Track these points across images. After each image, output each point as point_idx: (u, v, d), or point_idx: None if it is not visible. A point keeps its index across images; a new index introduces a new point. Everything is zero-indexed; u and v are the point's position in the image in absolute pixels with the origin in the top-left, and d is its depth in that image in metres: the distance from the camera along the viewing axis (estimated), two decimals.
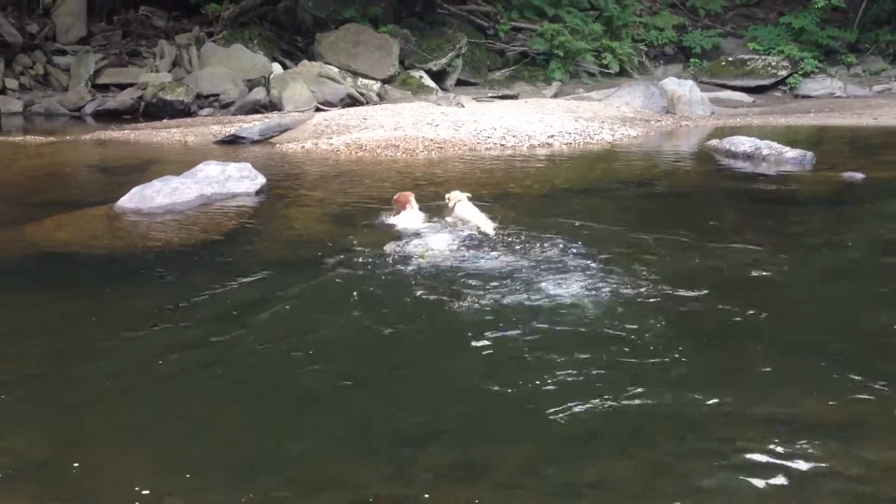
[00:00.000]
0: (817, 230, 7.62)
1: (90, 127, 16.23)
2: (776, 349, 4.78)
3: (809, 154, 11.43)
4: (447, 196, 7.62)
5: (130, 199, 8.00)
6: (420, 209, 7.54)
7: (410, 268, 6.12)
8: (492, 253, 6.47)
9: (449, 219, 7.41)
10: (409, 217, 7.39)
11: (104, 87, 19.09)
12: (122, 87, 18.91)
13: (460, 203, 7.44)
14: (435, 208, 7.74)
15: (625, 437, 3.77)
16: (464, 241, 6.79)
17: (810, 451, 3.64)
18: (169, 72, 19.15)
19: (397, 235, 7.02)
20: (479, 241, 6.77)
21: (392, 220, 7.46)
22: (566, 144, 13.37)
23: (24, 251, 6.64)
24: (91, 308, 5.38)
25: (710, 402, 4.09)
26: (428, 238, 6.90)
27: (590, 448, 3.69)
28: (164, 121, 16.59)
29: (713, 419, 3.93)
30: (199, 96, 18.24)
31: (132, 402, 4.08)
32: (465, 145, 12.77)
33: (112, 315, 5.26)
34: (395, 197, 7.69)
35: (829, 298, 5.73)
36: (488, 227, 7.10)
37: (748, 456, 3.60)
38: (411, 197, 7.57)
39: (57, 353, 4.67)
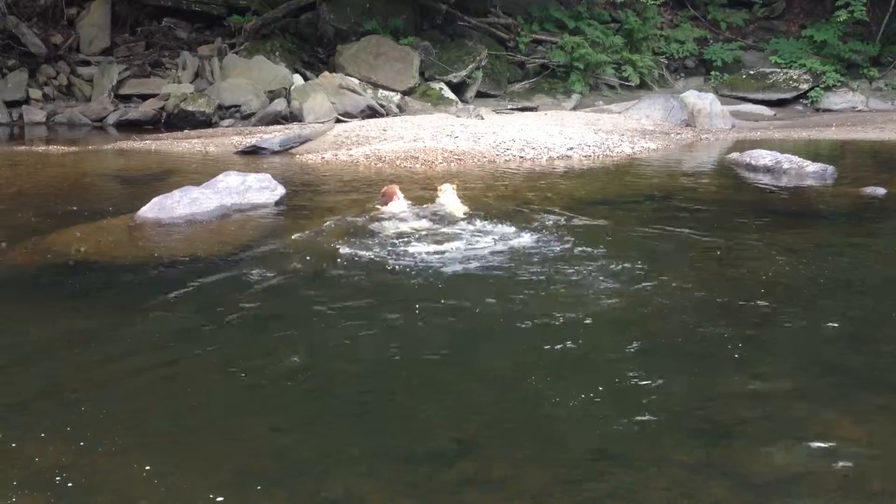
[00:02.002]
0: (838, 245, 7.56)
1: (112, 137, 16.37)
2: (797, 365, 4.74)
3: (831, 168, 11.36)
4: (438, 187, 8.91)
5: (151, 209, 8.06)
6: (407, 201, 8.54)
7: (429, 278, 6.13)
8: (512, 261, 6.49)
9: (434, 205, 8.55)
10: (395, 206, 8.37)
11: (127, 98, 19.27)
12: (144, 97, 19.08)
13: (444, 193, 8.65)
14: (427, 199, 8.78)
15: (649, 453, 3.74)
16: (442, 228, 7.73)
17: (834, 469, 3.60)
18: (191, 83, 19.31)
19: (384, 220, 7.98)
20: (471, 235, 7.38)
21: (381, 208, 8.43)
22: (585, 157, 13.36)
23: (45, 260, 6.69)
24: (110, 319, 5.41)
25: (732, 417, 4.06)
26: (410, 222, 7.92)
27: (614, 464, 3.66)
28: (186, 131, 16.71)
29: (734, 436, 3.89)
30: (220, 107, 18.38)
31: (151, 412, 4.09)
32: (485, 157, 12.78)
33: (132, 326, 5.28)
34: (382, 190, 8.78)
35: (851, 314, 5.68)
36: (459, 212, 8.28)
37: (770, 475, 3.56)
38: (397, 189, 8.67)
39: (77, 363, 4.70)
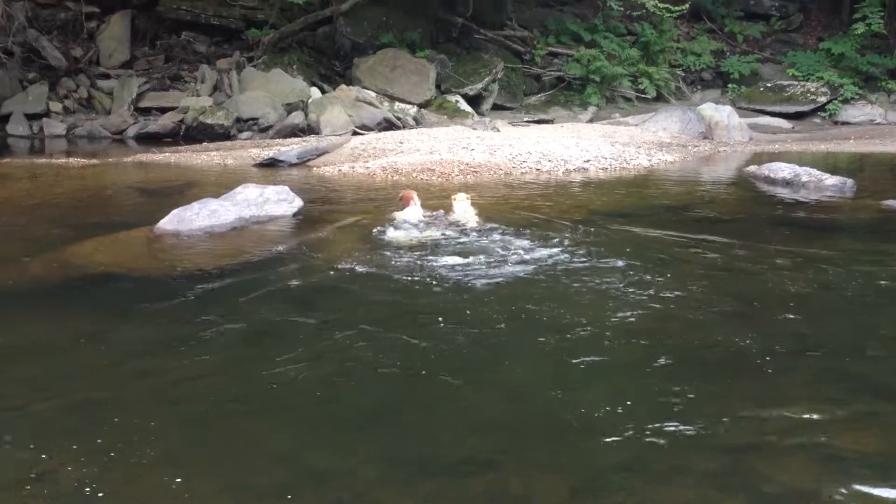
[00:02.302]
0: (858, 258, 7.51)
1: (131, 150, 16.48)
2: (820, 379, 4.71)
3: (850, 181, 11.31)
4: (452, 196, 9.10)
5: (170, 221, 8.10)
6: (422, 209, 8.71)
7: (446, 290, 6.14)
8: (530, 273, 6.48)
9: (451, 215, 8.64)
10: (411, 212, 8.56)
11: (146, 111, 19.39)
12: (163, 110, 19.20)
13: (458, 202, 8.85)
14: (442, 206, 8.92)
15: (669, 466, 3.72)
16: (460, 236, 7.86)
17: (854, 484, 3.57)
18: (210, 96, 19.43)
19: (397, 228, 8.18)
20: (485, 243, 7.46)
21: (396, 214, 8.60)
22: (602, 169, 13.35)
23: (65, 272, 6.73)
24: (128, 329, 5.44)
25: (753, 431, 4.04)
26: (422, 232, 8.05)
27: (634, 477, 3.64)
28: (204, 144, 16.80)
29: (756, 450, 3.87)
30: (238, 120, 18.47)
31: (170, 423, 4.10)
32: (501, 169, 12.79)
33: (151, 338, 5.30)
34: (400, 194, 9.04)
35: (874, 328, 5.64)
36: (472, 221, 8.44)
37: (791, 490, 3.54)
38: (414, 195, 8.86)
39: (96, 375, 4.73)
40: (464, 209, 8.75)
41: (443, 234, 7.86)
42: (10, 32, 18.19)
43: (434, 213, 8.64)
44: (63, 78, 19.64)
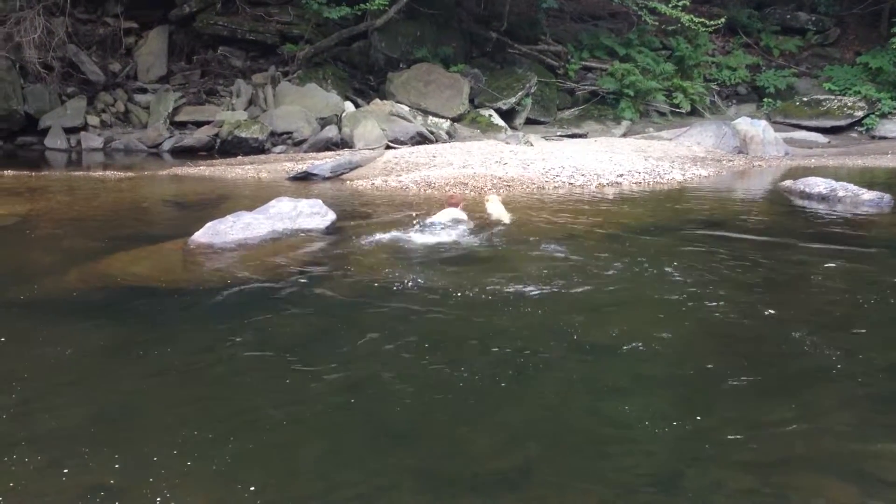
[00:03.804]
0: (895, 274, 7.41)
1: (167, 163, 16.67)
2: (854, 396, 4.65)
3: (887, 196, 11.16)
4: (486, 197, 10.22)
5: (204, 234, 8.16)
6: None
7: (479, 303, 6.13)
8: (562, 286, 6.46)
9: (486, 214, 9.55)
10: (446, 213, 9.15)
11: (182, 125, 19.63)
12: (199, 124, 19.43)
13: (490, 202, 9.83)
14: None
15: (700, 482, 3.68)
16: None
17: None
18: (245, 110, 19.63)
19: (426, 228, 8.74)
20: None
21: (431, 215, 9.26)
22: (635, 184, 13.29)
23: (100, 284, 6.80)
24: (163, 342, 5.48)
25: (785, 448, 3.99)
26: (451, 234, 8.55)
27: (665, 492, 3.61)
28: (239, 157, 16.95)
29: (786, 467, 3.82)
30: (273, 134, 18.62)
31: (198, 435, 4.12)
32: (534, 184, 12.77)
33: (184, 349, 5.35)
34: (448, 195, 10.22)
35: None
36: (505, 218, 9.34)
37: None
38: (459, 199, 9.78)
39: (127, 384, 4.77)
40: (497, 208, 9.58)
41: (468, 240, 8.21)
42: (49, 47, 18.51)
43: (467, 217, 9.17)
44: (101, 92, 19.95)
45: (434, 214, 9.04)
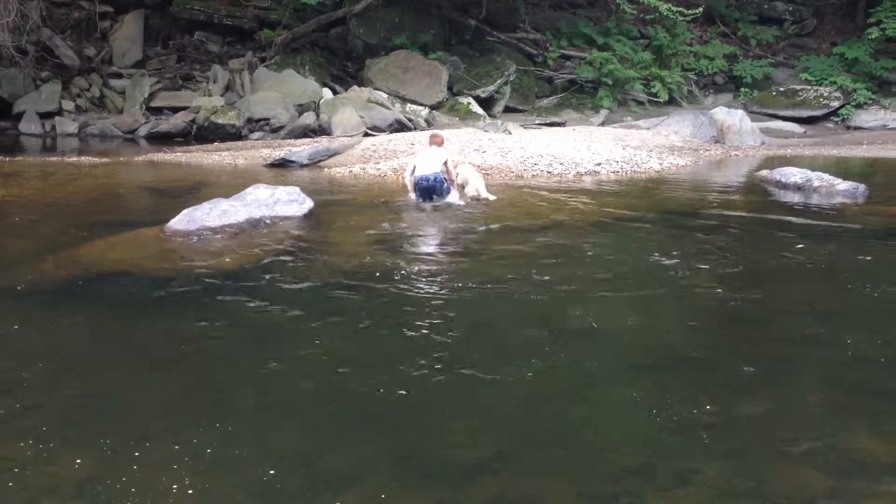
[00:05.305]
0: (870, 264, 7.47)
1: (143, 149, 16.55)
2: (830, 386, 4.70)
3: (862, 186, 11.26)
4: (457, 163, 10.44)
5: (181, 221, 8.11)
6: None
7: (457, 289, 6.13)
8: (541, 276, 6.47)
9: (458, 180, 9.93)
10: (423, 161, 9.93)
11: (158, 110, 19.49)
12: (175, 110, 19.30)
13: (463, 166, 10.08)
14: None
15: (676, 473, 3.70)
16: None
17: (865, 492, 3.55)
18: (221, 96, 19.51)
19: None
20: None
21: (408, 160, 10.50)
22: (613, 172, 13.33)
23: (76, 270, 6.75)
24: (139, 328, 5.46)
25: (762, 436, 4.02)
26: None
27: (642, 481, 3.63)
28: (216, 144, 16.86)
29: (763, 455, 3.85)
30: (250, 120, 18.52)
31: (178, 420, 4.11)
32: (512, 172, 12.78)
33: (160, 336, 5.32)
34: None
35: (885, 334, 5.61)
36: (483, 191, 9.79)
37: (799, 495, 3.52)
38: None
39: (106, 370, 4.74)
40: (469, 172, 10.05)
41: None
42: (24, 31, 18.27)
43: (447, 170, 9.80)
44: (76, 77, 19.77)
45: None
